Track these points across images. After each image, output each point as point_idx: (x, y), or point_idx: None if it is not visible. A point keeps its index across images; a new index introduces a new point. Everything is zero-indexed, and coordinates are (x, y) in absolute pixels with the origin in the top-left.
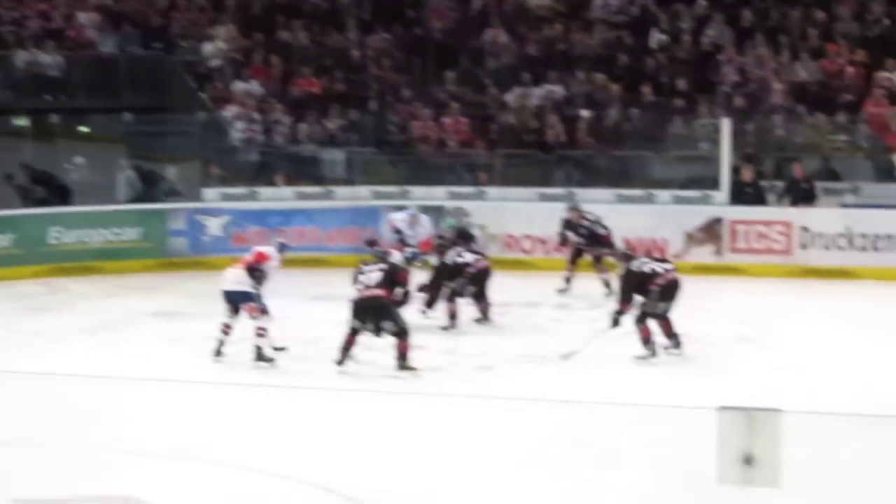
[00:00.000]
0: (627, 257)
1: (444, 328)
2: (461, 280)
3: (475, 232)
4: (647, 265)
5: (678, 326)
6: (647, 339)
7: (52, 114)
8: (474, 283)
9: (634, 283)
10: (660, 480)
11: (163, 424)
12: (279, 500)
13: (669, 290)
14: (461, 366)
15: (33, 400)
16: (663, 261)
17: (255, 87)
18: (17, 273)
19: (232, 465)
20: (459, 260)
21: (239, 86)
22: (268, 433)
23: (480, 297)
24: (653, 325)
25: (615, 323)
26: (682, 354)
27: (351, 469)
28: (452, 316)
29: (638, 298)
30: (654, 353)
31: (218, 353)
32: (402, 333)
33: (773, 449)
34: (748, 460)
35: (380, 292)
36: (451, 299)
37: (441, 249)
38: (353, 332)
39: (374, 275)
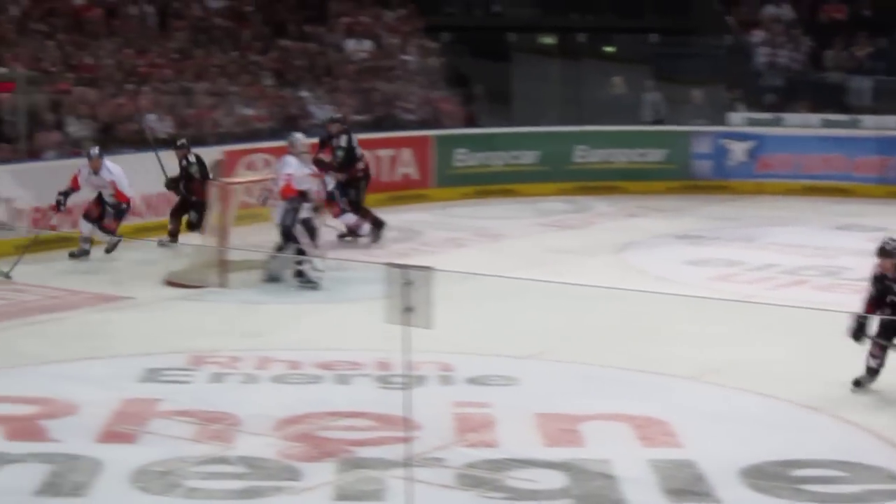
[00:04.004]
0: None
1: None
2: None
3: None
4: None
5: None
6: None
7: (579, 33)
8: None
9: None
10: None
11: (687, 345)
12: (805, 433)
13: None
14: None
15: (550, 315)
16: None
17: (785, 11)
18: (541, 189)
19: (750, 392)
20: None
21: (768, 10)
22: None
23: None
24: None
25: None
26: None
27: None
28: None
29: None
30: None
31: None
32: None
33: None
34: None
35: None
36: None
37: None
38: None
39: None
